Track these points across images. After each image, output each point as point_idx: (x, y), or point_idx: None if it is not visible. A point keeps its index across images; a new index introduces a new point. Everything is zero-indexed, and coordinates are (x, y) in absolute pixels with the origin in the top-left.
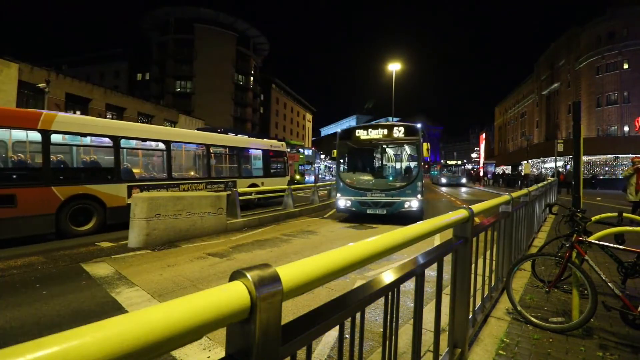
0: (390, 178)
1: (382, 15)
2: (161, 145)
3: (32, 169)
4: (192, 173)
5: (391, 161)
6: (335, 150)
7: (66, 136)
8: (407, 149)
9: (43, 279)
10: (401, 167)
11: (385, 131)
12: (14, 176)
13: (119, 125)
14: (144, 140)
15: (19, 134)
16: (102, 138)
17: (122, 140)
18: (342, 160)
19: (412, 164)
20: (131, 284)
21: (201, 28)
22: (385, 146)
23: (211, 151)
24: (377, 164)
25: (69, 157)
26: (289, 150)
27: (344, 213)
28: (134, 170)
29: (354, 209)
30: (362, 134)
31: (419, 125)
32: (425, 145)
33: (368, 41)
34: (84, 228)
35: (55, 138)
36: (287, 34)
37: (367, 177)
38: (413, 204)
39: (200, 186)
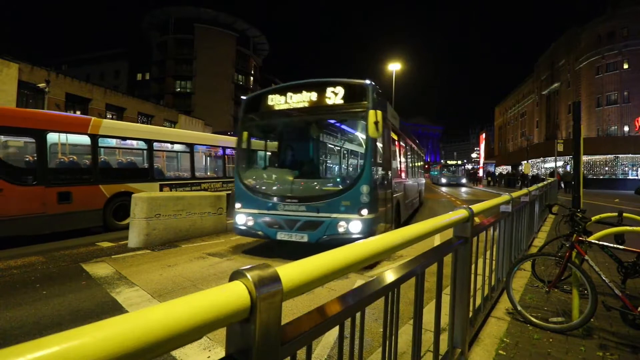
0: (319, 178)
1: (382, 15)
2: (186, 148)
3: (84, 169)
4: (211, 173)
5: (324, 149)
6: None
7: (110, 139)
8: (350, 127)
9: (43, 279)
10: (339, 159)
11: (314, 95)
12: (69, 176)
13: (152, 130)
14: (172, 143)
15: (72, 138)
16: (139, 141)
17: (155, 143)
18: (246, 148)
19: (356, 153)
20: (131, 284)
21: (201, 28)
22: (314, 122)
23: (226, 152)
24: (300, 153)
25: (111, 159)
26: None
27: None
28: (164, 170)
29: (259, 232)
30: (276, 100)
31: (368, 82)
32: (372, 116)
33: (368, 41)
34: (125, 222)
35: (102, 141)
36: (288, 34)
37: (279, 176)
38: (353, 226)
39: (217, 184)
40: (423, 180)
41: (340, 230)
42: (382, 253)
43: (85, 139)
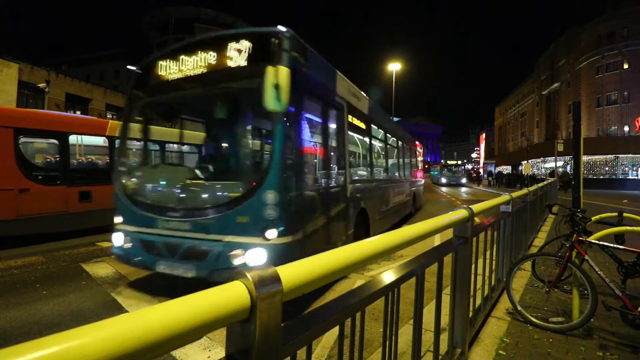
0: (218, 179)
1: (382, 14)
2: (194, 148)
3: (102, 170)
4: None
5: (234, 136)
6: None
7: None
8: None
9: (43, 279)
10: (249, 151)
11: (211, 56)
12: (89, 176)
13: (164, 132)
14: (182, 144)
15: (91, 140)
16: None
17: (167, 144)
18: (131, 137)
19: (257, 136)
20: (131, 284)
21: (201, 28)
22: (214, 96)
23: None
24: (201, 143)
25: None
26: None
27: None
28: None
29: (138, 259)
30: (167, 69)
31: (277, 29)
32: (270, 75)
33: (368, 41)
34: None
35: (118, 142)
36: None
37: (166, 178)
38: (253, 256)
39: None
40: (421, 182)
41: (236, 262)
42: (382, 253)
43: (103, 141)
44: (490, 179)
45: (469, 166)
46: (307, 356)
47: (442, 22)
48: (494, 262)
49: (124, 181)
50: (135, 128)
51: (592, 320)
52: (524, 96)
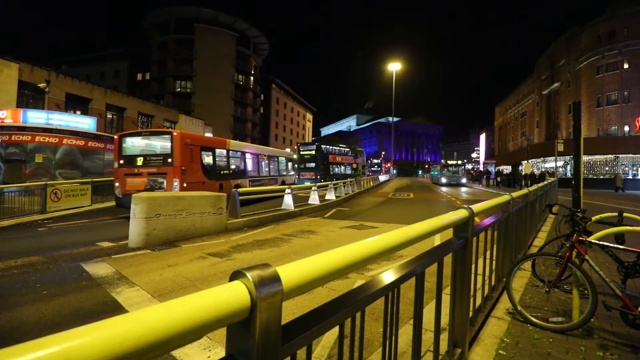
0: None
1: (382, 14)
2: (257, 157)
3: (226, 171)
4: (263, 172)
5: None
6: None
7: (232, 152)
8: None
9: (43, 279)
10: None
11: None
12: (222, 174)
13: (245, 145)
14: (252, 154)
15: (222, 152)
16: (240, 152)
17: (247, 154)
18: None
19: None
20: (131, 284)
21: (201, 28)
22: None
23: (266, 159)
24: None
25: (231, 164)
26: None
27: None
28: (247, 171)
29: None
30: None
31: None
32: None
33: (369, 41)
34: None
35: (230, 153)
36: (287, 34)
37: None
38: None
39: (266, 180)
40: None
41: None
42: (382, 253)
43: (225, 152)
44: (497, 179)
45: (469, 166)
46: (307, 356)
47: (442, 21)
48: (494, 262)
49: None
50: None
51: (592, 320)
52: (524, 96)
